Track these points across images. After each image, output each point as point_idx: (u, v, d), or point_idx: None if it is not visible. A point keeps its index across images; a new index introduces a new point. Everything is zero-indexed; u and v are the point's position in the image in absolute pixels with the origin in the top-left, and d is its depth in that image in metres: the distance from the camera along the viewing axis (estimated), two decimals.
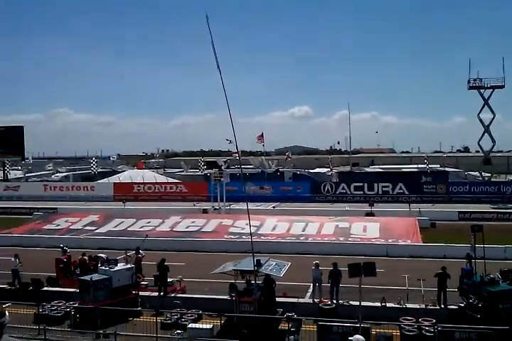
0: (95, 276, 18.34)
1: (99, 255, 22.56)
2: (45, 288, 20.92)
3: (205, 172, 61.92)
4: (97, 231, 34.75)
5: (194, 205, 46.60)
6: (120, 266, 19.44)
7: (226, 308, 17.25)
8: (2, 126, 69.77)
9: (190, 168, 75.77)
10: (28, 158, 77.55)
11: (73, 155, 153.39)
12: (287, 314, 16.55)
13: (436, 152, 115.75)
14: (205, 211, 42.58)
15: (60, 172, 78.73)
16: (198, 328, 16.09)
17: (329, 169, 64.13)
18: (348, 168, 71.83)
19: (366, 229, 32.43)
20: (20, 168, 77.67)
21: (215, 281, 20.08)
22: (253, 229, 21.42)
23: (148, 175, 63.43)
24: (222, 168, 47.86)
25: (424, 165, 60.37)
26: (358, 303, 15.18)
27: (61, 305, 18.55)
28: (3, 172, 67.17)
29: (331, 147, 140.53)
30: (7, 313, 4.57)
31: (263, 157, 74.76)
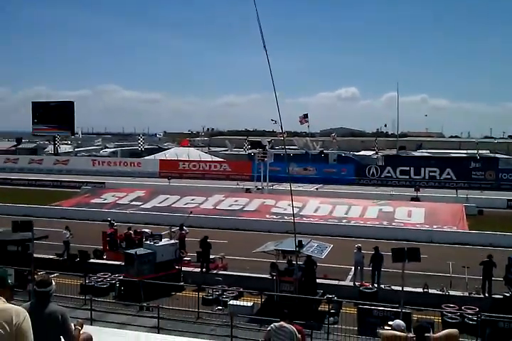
0: (140, 250, 18.78)
1: (144, 230, 23.10)
2: (92, 260, 21.59)
3: (249, 151, 62.08)
4: (142, 206, 35.46)
5: (237, 184, 46.86)
6: (164, 241, 19.87)
7: (266, 287, 17.40)
8: (53, 101, 71.55)
9: (235, 147, 76.07)
10: (77, 133, 79.42)
11: (121, 132, 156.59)
12: (327, 295, 16.58)
13: (487, 138, 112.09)
14: (248, 190, 42.77)
15: (108, 147, 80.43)
16: (239, 305, 16.37)
17: (375, 152, 63.18)
18: (394, 152, 70.52)
19: (411, 214, 31.93)
20: (69, 142, 79.68)
21: (256, 260, 20.24)
22: (295, 210, 21.43)
23: (194, 153, 64.06)
24: (267, 148, 47.66)
25: (474, 151, 58.69)
26: (399, 288, 15.03)
27: (106, 277, 19.15)
28: (54, 147, 69.12)
29: (377, 129, 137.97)
30: (53, 282, 4.71)
31: (308, 138, 74.28)
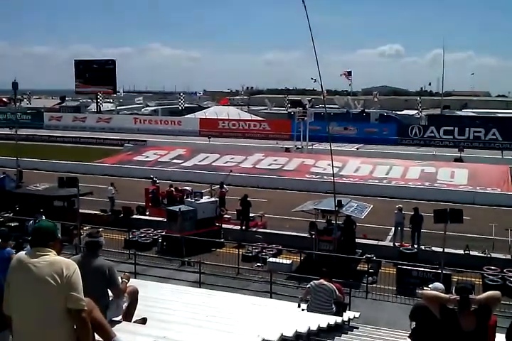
0: (182, 207, 19.11)
1: (185, 188, 23.42)
2: (135, 216, 22.14)
3: (289, 110, 61.40)
4: (183, 164, 35.90)
5: (277, 143, 46.71)
6: (205, 198, 20.12)
7: (305, 246, 17.55)
8: (96, 59, 72.01)
9: (274, 106, 75.35)
10: (119, 92, 79.96)
11: (162, 90, 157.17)
12: (366, 255, 16.61)
13: None
14: (287, 150, 42.62)
15: (149, 106, 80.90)
16: (278, 262, 16.61)
17: (418, 111, 61.55)
18: (438, 111, 68.56)
19: (454, 175, 31.29)
20: (112, 100, 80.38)
21: (295, 219, 20.38)
22: (335, 170, 21.28)
23: (233, 112, 63.84)
24: (307, 106, 46.99)
25: None
26: (440, 249, 14.94)
27: (149, 233, 19.66)
28: (97, 105, 70.00)
29: (421, 88, 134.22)
30: (102, 236, 4.84)
31: (349, 97, 72.83)
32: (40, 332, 2.98)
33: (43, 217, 17.37)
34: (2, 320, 3.17)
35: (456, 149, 40.12)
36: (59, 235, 3.35)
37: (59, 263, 3.08)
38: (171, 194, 23.12)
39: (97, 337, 3.20)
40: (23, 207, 20.92)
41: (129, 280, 4.88)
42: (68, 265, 3.10)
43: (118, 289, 4.61)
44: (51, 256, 3.12)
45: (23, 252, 3.22)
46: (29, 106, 75.00)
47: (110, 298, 4.67)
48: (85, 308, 3.05)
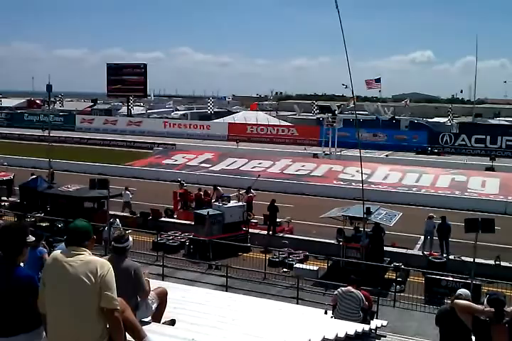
0: (210, 211, 19.19)
1: (219, 188, 23.58)
2: (163, 219, 22.31)
3: (318, 116, 61.24)
4: (211, 168, 36.05)
5: (305, 149, 46.60)
6: (233, 203, 20.17)
7: (332, 253, 17.43)
8: (127, 63, 73.10)
9: (303, 112, 75.25)
10: (149, 95, 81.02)
11: (191, 94, 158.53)
12: (395, 263, 16.42)
13: None
14: (315, 156, 42.47)
15: (178, 110, 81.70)
16: (304, 268, 16.53)
17: (449, 119, 60.70)
18: (470, 119, 67.56)
19: (485, 184, 30.72)
20: (142, 104, 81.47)
21: (323, 225, 20.28)
22: (364, 177, 21.09)
23: (262, 117, 63.99)
24: (336, 112, 46.81)
25: None
26: (470, 259, 14.67)
27: (177, 236, 19.79)
28: (127, 108, 70.98)
29: (452, 96, 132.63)
30: (130, 239, 4.87)
31: (379, 103, 72.38)
32: (73, 331, 3.02)
33: (118, 221, 17.93)
34: (37, 317, 3.23)
35: (488, 158, 39.43)
36: (93, 235, 3.40)
37: (94, 262, 3.13)
38: (199, 198, 23.23)
39: (128, 336, 3.23)
40: (54, 208, 21.30)
41: (148, 277, 4.88)
42: (103, 265, 3.14)
43: (144, 291, 4.61)
44: (86, 256, 3.17)
45: (59, 251, 3.28)
46: (61, 108, 76.45)
47: (139, 299, 4.71)
48: (118, 308, 3.08)
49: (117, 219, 18.69)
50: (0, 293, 3.24)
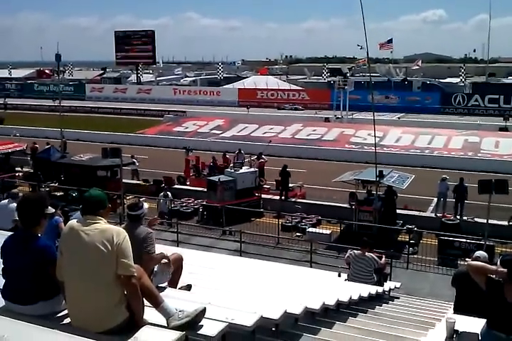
0: (222, 177, 19.27)
1: (242, 152, 23.58)
2: (176, 186, 22.46)
3: (329, 79, 60.44)
4: (222, 135, 36.05)
5: (316, 113, 46.26)
6: (245, 169, 20.22)
7: (344, 216, 17.52)
8: (135, 30, 72.17)
9: (313, 75, 74.23)
10: (158, 62, 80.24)
11: (200, 60, 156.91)
12: (407, 226, 16.48)
13: None
14: (326, 119, 42.18)
15: (188, 76, 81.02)
16: (317, 232, 16.67)
17: (462, 79, 59.64)
18: (483, 79, 66.32)
19: (498, 144, 30.47)
20: (151, 71, 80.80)
21: (335, 189, 20.30)
22: (376, 140, 20.94)
23: (272, 82, 63.34)
24: (347, 75, 46.20)
25: None
26: (483, 220, 14.67)
27: (190, 202, 19.96)
28: (137, 76, 70.54)
29: (465, 55, 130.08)
30: (145, 206, 4.90)
31: (390, 64, 71.08)
32: (91, 298, 3.09)
33: (170, 194, 18.23)
34: (56, 285, 3.30)
35: (502, 118, 38.89)
36: (108, 204, 3.42)
37: (110, 230, 3.16)
38: (214, 164, 23.20)
39: (145, 302, 3.29)
40: (68, 177, 21.51)
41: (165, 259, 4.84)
42: (119, 232, 3.17)
43: (148, 255, 4.56)
44: (102, 224, 3.20)
45: (75, 220, 3.32)
46: (71, 78, 76.25)
47: (156, 266, 4.78)
48: (135, 274, 3.13)
49: (169, 192, 18.77)
50: (20, 263, 3.31)
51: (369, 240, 9.64)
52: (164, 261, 4.75)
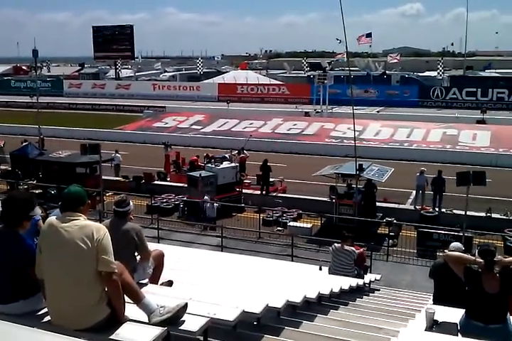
0: (203, 173, 19.23)
1: (245, 152, 23.33)
2: (156, 182, 22.34)
3: (309, 74, 60.52)
4: (202, 130, 35.93)
5: (296, 108, 46.33)
6: (225, 164, 20.19)
7: (325, 210, 17.64)
8: (113, 25, 71.28)
9: (293, 70, 74.25)
10: (137, 57, 79.44)
11: (179, 55, 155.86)
12: (387, 218, 16.65)
13: None
14: (307, 114, 42.28)
15: (167, 71, 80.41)
16: (298, 226, 16.76)
17: (440, 72, 60.19)
18: (461, 72, 66.99)
19: (476, 137, 30.90)
20: (130, 66, 79.98)
21: (316, 183, 20.39)
22: (356, 134, 21.08)
23: (252, 76, 63.20)
24: (326, 69, 46.31)
25: None
26: (461, 212, 14.88)
27: (171, 198, 19.88)
28: (115, 71, 69.77)
29: (443, 49, 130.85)
30: (131, 203, 4.90)
31: (369, 58, 71.48)
32: (72, 295, 3.07)
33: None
34: (35, 283, 3.27)
35: (479, 111, 39.41)
36: (88, 200, 3.40)
37: (89, 227, 3.14)
38: (195, 162, 23.00)
39: (127, 298, 3.28)
40: (46, 175, 21.26)
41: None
42: (99, 229, 3.16)
43: (146, 252, 4.72)
44: (81, 221, 3.19)
45: (54, 217, 3.29)
46: (49, 74, 75.11)
47: (137, 261, 4.78)
48: (116, 271, 3.12)
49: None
50: (0, 262, 3.28)
51: (349, 233, 9.72)
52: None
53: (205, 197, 17.99)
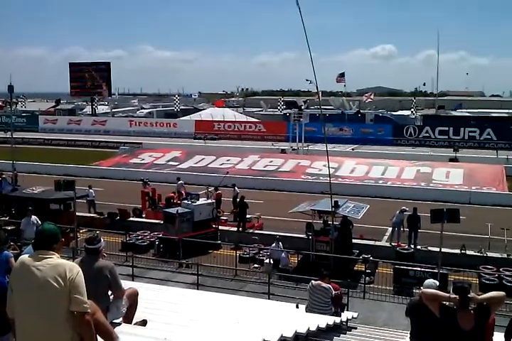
0: (179, 209, 19.09)
1: (236, 188, 23.59)
2: (131, 219, 22.09)
3: (285, 112, 61.48)
4: (179, 166, 35.88)
5: (272, 145, 46.77)
6: (202, 200, 20.11)
7: (302, 247, 17.57)
8: (89, 62, 71.85)
9: (270, 108, 75.41)
10: (114, 94, 79.85)
11: (156, 92, 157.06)
12: (363, 255, 16.65)
13: None
14: (283, 151, 42.69)
15: (144, 108, 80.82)
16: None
17: (413, 111, 61.72)
18: (433, 111, 68.84)
19: (449, 175, 31.43)
20: (107, 103, 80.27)
21: (292, 220, 20.39)
22: (331, 171, 21.29)
23: (229, 114, 63.90)
24: (302, 108, 47.10)
25: None
26: (436, 249, 14.97)
27: (146, 235, 19.63)
28: (92, 108, 69.87)
29: (415, 89, 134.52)
30: (102, 240, 4.85)
31: (344, 98, 73.03)
32: (43, 335, 3.00)
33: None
34: (5, 323, 3.19)
35: (452, 149, 40.28)
36: (61, 238, 3.36)
37: (62, 265, 3.10)
38: (171, 198, 22.83)
39: (99, 339, 3.22)
40: (20, 211, 20.83)
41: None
42: (72, 267, 3.12)
43: (120, 290, 4.65)
44: (54, 259, 3.14)
45: (26, 255, 3.24)
46: (24, 109, 74.81)
47: (110, 300, 4.69)
48: (89, 311, 3.07)
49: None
50: None
51: (327, 271, 9.68)
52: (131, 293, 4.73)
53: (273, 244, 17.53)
